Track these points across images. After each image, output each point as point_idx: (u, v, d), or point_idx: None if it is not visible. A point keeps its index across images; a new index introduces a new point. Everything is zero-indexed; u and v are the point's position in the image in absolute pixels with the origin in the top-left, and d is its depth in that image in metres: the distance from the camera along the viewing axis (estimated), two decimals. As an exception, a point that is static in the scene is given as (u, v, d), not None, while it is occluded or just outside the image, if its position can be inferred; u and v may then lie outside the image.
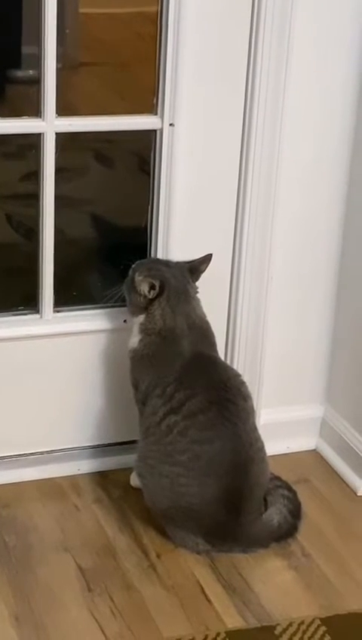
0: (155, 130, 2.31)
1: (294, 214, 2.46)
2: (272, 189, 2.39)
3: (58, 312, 2.42)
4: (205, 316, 2.31)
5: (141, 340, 2.29)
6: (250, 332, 2.51)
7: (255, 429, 2.28)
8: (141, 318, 2.28)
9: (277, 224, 2.43)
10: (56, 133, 2.25)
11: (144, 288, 2.26)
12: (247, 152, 2.35)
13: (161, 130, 2.31)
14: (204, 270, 2.31)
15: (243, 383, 2.29)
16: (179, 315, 2.26)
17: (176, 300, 2.26)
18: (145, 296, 2.26)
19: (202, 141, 2.34)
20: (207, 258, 2.31)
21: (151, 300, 2.26)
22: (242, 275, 2.45)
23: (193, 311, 2.29)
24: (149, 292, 2.25)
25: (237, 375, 2.31)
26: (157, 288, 2.24)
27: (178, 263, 2.33)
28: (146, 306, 2.27)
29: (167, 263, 2.32)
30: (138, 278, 2.26)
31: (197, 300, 2.31)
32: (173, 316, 2.26)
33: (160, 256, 2.40)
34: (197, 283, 2.32)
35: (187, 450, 2.19)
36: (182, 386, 2.22)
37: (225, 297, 2.49)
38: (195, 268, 2.31)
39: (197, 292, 2.31)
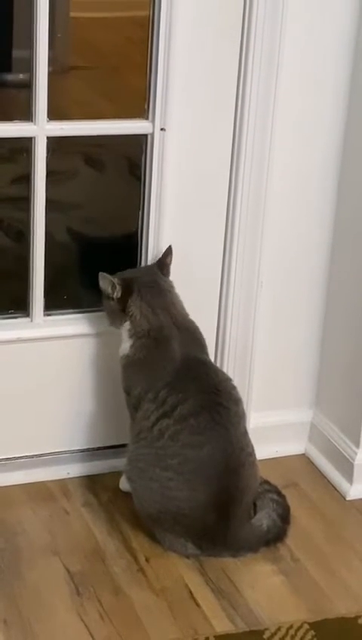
0: (146, 135, 2.32)
1: (285, 220, 2.47)
2: (263, 194, 2.40)
3: (48, 315, 2.42)
4: (188, 315, 2.33)
5: (132, 345, 2.30)
6: (240, 336, 2.51)
7: (246, 433, 2.28)
8: (126, 325, 2.31)
9: (267, 229, 2.44)
10: (48, 137, 2.26)
11: (106, 288, 2.29)
12: (238, 157, 2.36)
13: (152, 134, 2.31)
14: (170, 262, 2.33)
15: (234, 387, 2.30)
16: (159, 310, 2.28)
17: (150, 295, 2.29)
18: (113, 298, 2.29)
19: (193, 145, 2.34)
20: (169, 250, 2.34)
21: (124, 301, 2.28)
22: (232, 280, 2.46)
23: (172, 306, 2.31)
24: (113, 291, 2.28)
25: (228, 379, 2.32)
26: (116, 285, 2.27)
27: (146, 265, 2.38)
28: (123, 309, 2.29)
29: (135, 269, 2.36)
30: (100, 280, 2.29)
31: (175, 295, 2.33)
32: (153, 312, 2.28)
33: (150, 261, 2.41)
34: (182, 284, 2.34)
35: (178, 454, 2.20)
36: (174, 390, 2.23)
37: (215, 302, 2.49)
38: (161, 262, 2.34)
39: (172, 287, 2.33)
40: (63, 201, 2.43)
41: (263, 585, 2.24)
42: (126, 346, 2.31)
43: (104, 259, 2.41)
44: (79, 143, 2.38)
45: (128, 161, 2.47)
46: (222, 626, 2.12)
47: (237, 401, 2.28)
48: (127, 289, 2.29)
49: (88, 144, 2.41)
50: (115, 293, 2.29)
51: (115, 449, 2.48)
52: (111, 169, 2.49)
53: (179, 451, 2.20)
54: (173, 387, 2.24)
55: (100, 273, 2.30)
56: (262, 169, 2.37)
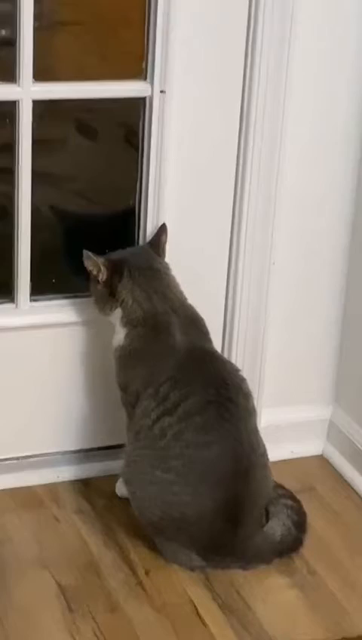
0: (144, 98, 2.30)
1: (300, 191, 2.43)
2: (275, 162, 2.36)
3: (35, 301, 2.40)
4: (186, 299, 2.31)
5: (127, 335, 2.27)
6: (250, 323, 2.49)
7: (256, 431, 2.26)
8: (118, 312, 2.28)
9: (280, 202, 2.41)
10: (34, 101, 2.23)
11: (91, 269, 2.27)
12: (247, 122, 2.33)
13: (151, 97, 2.29)
14: (165, 242, 2.32)
15: (243, 379, 2.27)
16: (153, 294, 2.26)
17: (143, 278, 2.27)
18: (99, 281, 2.27)
19: (196, 109, 2.31)
20: (163, 228, 2.32)
21: (113, 285, 2.26)
22: (241, 260, 2.43)
23: (169, 290, 2.29)
24: (98, 273, 2.26)
25: (237, 370, 2.29)
26: (101, 266, 2.25)
27: (138, 246, 2.37)
28: (112, 293, 2.26)
29: (125, 249, 2.35)
30: (84, 260, 2.27)
31: (172, 278, 2.31)
32: (147, 296, 2.26)
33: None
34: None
35: (181, 455, 2.17)
36: (177, 384, 2.20)
37: (222, 284, 2.46)
38: (155, 242, 2.33)
39: (168, 269, 2.32)
40: (52, 174, 2.40)
41: (276, 600, 2.22)
42: (120, 336, 2.28)
43: (97, 238, 2.39)
44: (69, 108, 2.35)
45: (124, 128, 2.46)
46: (231, 646, 2.10)
47: (247, 395, 2.25)
48: (116, 271, 2.26)
49: (79, 109, 2.40)
50: (101, 276, 2.27)
51: (111, 450, 2.47)
52: (105, 137, 2.48)
53: (182, 452, 2.18)
54: (176, 381, 2.21)
55: (84, 252, 2.27)
56: (274, 134, 2.34)
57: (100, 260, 2.26)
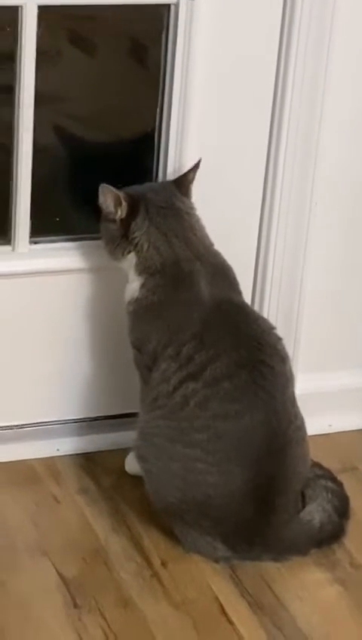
0: (169, 5, 2.30)
1: (347, 114, 2.44)
2: (321, 78, 2.37)
3: (35, 243, 2.41)
4: (213, 244, 2.33)
5: (143, 285, 2.29)
6: (285, 272, 2.51)
7: (294, 401, 2.28)
8: (132, 257, 2.30)
9: (324, 129, 2.42)
10: (39, 6, 2.23)
11: (108, 204, 2.29)
12: (289, 32, 2.34)
13: (177, 4, 2.29)
14: (193, 180, 2.34)
15: (279, 339, 2.30)
16: (173, 238, 2.28)
17: (162, 217, 2.29)
18: (115, 219, 2.29)
19: (232, 19, 2.32)
20: (196, 166, 2.33)
21: (127, 224, 2.28)
22: (277, 199, 2.45)
23: (192, 232, 2.31)
24: (116, 209, 2.28)
25: (271, 328, 2.31)
26: (123, 201, 2.27)
27: (160, 182, 2.38)
28: (125, 234, 2.28)
29: (143, 184, 2.36)
30: (100, 194, 2.29)
31: (196, 219, 2.33)
32: (166, 240, 2.28)
33: (170, 175, 2.40)
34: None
35: (207, 427, 2.20)
36: (203, 344, 2.22)
37: (254, 227, 2.48)
38: (182, 179, 2.34)
39: (192, 208, 2.33)
40: (57, 94, 2.40)
41: (314, 597, 2.25)
42: (134, 286, 2.30)
43: (108, 171, 2.39)
44: (65, 17, 2.35)
45: (131, 42, 2.44)
46: (263, 649, 2.14)
47: (284, 358, 2.28)
48: (134, 208, 2.28)
49: (78, 17, 2.38)
50: (120, 212, 2.29)
51: (120, 419, 2.49)
52: (108, 52, 2.46)
53: (209, 423, 2.20)
54: (201, 340, 2.23)
55: (102, 185, 2.28)
56: (320, 50, 2.36)
57: (122, 195, 2.27)
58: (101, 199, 2.30)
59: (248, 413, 2.21)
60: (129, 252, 2.30)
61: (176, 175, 2.37)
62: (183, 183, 2.34)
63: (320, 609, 2.22)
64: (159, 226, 2.29)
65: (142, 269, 2.30)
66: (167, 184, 2.36)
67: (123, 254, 2.31)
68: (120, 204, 2.28)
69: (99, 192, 2.29)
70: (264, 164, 2.45)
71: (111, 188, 2.28)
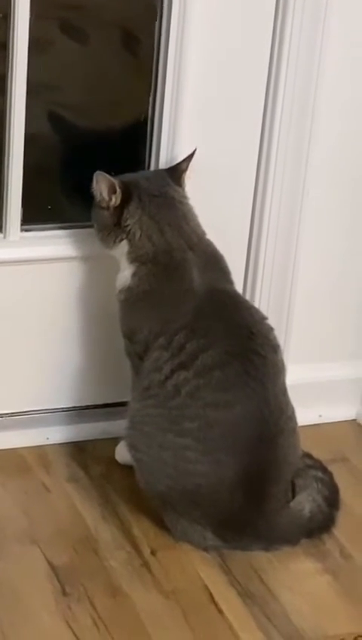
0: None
1: (340, 104, 2.44)
2: (314, 71, 2.38)
3: (27, 231, 2.41)
4: (205, 234, 2.33)
5: (135, 274, 2.30)
6: (277, 262, 2.51)
7: (285, 390, 2.29)
8: (124, 245, 2.30)
9: (318, 119, 2.43)
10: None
11: (102, 191, 2.29)
12: (283, 22, 2.35)
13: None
14: (186, 169, 2.34)
15: (271, 329, 2.30)
16: (166, 226, 2.29)
17: (155, 206, 2.29)
18: (108, 207, 2.29)
19: (226, 8, 2.32)
20: (190, 155, 2.34)
21: (120, 212, 2.28)
22: (270, 189, 2.46)
23: (184, 221, 2.31)
24: (110, 197, 2.28)
25: (263, 318, 2.32)
26: (117, 188, 2.27)
27: (153, 170, 2.39)
28: (118, 222, 2.29)
29: (136, 172, 2.37)
30: (94, 181, 2.29)
31: (189, 209, 2.33)
32: (158, 228, 2.28)
33: (162, 165, 2.40)
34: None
35: (199, 416, 2.20)
36: (195, 333, 2.23)
37: (246, 217, 2.49)
38: (175, 169, 2.35)
39: (185, 197, 2.34)
40: (50, 83, 2.40)
41: (304, 588, 2.25)
42: (126, 274, 2.31)
43: (100, 160, 2.38)
44: (55, 4, 2.35)
45: (121, 30, 2.44)
46: (252, 638, 2.12)
47: (275, 347, 2.28)
48: (127, 196, 2.29)
49: (71, 6, 2.38)
50: (114, 200, 2.29)
51: (110, 408, 2.50)
52: (99, 40, 2.46)
53: (200, 412, 2.21)
54: (193, 329, 2.23)
55: (97, 172, 2.28)
56: (314, 39, 2.36)
57: (117, 182, 2.28)
58: (95, 186, 2.30)
59: (239, 402, 2.21)
60: (121, 240, 2.31)
61: (169, 164, 2.37)
62: (176, 171, 2.35)
63: (310, 599, 2.22)
64: (152, 214, 2.30)
65: (134, 257, 2.30)
66: (160, 173, 2.37)
67: (115, 242, 2.31)
68: (114, 191, 2.29)
69: (93, 179, 2.29)
70: (256, 154, 2.45)
71: (107, 175, 2.28)
